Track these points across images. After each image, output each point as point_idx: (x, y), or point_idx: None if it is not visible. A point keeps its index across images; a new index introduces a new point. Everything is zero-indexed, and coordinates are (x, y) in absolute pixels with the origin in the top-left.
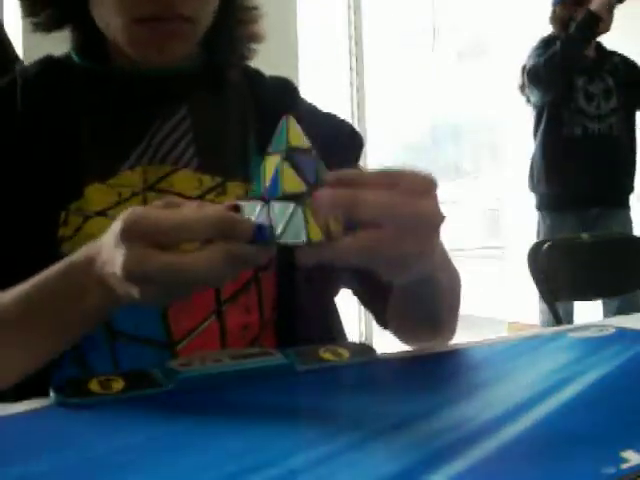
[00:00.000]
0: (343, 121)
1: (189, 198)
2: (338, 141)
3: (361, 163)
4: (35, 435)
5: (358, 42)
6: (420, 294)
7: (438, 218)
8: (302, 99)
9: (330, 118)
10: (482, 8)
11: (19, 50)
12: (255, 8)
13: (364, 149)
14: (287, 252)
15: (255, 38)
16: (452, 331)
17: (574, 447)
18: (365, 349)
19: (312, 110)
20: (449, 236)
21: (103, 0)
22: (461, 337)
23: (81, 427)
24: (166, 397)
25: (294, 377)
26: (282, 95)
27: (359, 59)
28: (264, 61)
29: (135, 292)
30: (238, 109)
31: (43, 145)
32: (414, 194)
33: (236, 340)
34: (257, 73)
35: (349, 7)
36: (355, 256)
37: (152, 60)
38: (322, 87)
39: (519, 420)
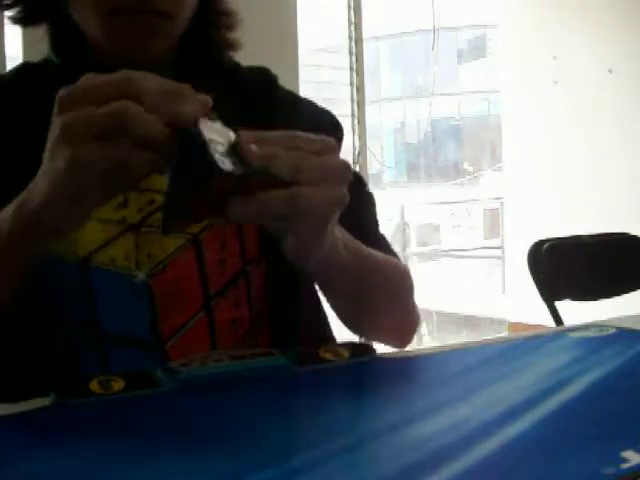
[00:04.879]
0: (324, 110)
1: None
2: (318, 132)
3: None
4: (35, 435)
5: (358, 42)
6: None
7: (347, 168)
8: (282, 87)
9: (311, 107)
10: (482, 8)
11: (18, 47)
12: (233, 14)
13: (344, 140)
14: (275, 246)
15: (232, 46)
16: (401, 332)
17: (574, 447)
18: (365, 349)
19: (293, 98)
20: (450, 236)
21: None
22: (462, 337)
23: (81, 427)
24: (166, 397)
25: (294, 377)
26: (262, 85)
27: (359, 59)
28: (264, 61)
29: (67, 159)
30: (217, 104)
31: (21, 151)
32: (319, 153)
33: (226, 335)
34: (236, 66)
35: (349, 7)
36: (276, 207)
37: (128, 54)
38: (322, 87)
39: (519, 420)
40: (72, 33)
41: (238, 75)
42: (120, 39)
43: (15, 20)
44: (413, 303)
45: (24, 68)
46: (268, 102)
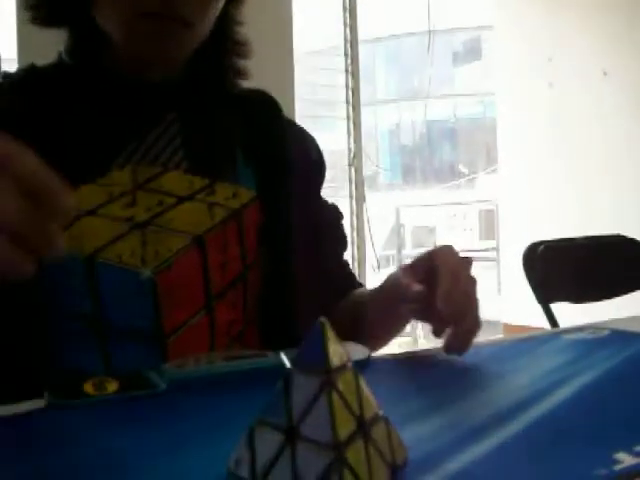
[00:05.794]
0: (313, 140)
1: (178, 197)
2: (306, 166)
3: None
4: (30, 436)
5: (353, 44)
6: None
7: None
8: (282, 114)
9: (303, 135)
10: (477, 10)
11: (13, 43)
12: (247, 44)
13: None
14: (274, 254)
15: (241, 73)
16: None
17: (567, 448)
18: (361, 350)
19: (290, 124)
20: (445, 238)
21: None
22: None
23: (74, 428)
24: (160, 399)
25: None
26: (264, 110)
27: (354, 61)
28: (259, 64)
29: None
30: (224, 120)
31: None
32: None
33: (223, 335)
34: (240, 89)
35: (344, 9)
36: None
37: (146, 57)
38: (317, 90)
39: (513, 421)
40: (91, 37)
41: (244, 96)
42: (142, 43)
43: (37, 20)
44: None
45: (32, 69)
46: (272, 125)
